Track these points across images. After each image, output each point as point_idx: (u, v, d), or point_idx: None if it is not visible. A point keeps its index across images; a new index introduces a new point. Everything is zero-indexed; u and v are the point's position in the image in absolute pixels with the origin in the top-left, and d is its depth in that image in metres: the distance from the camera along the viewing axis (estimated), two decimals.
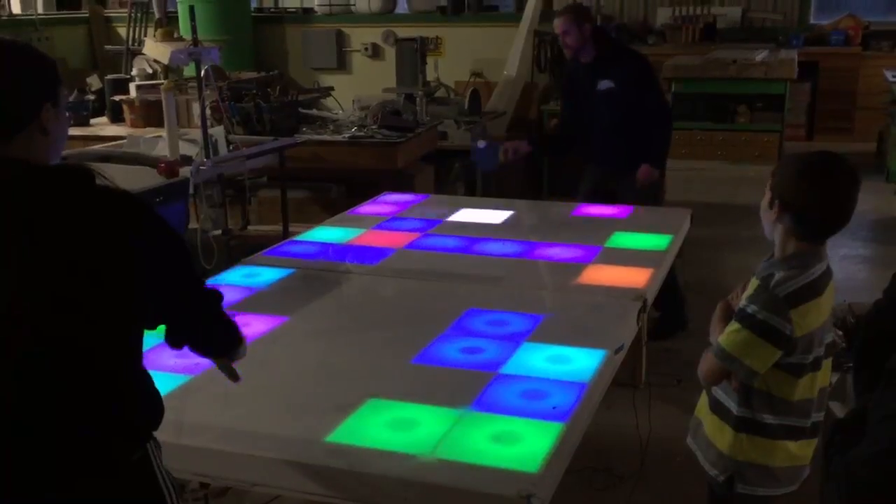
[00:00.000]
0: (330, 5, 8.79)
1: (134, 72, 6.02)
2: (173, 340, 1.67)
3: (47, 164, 1.49)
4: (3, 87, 1.43)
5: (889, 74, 7.97)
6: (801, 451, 2.07)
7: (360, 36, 8.64)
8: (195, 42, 4.17)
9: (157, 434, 1.60)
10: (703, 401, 2.20)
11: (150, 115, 5.38)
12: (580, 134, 4.39)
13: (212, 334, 1.74)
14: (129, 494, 1.54)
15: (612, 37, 4.48)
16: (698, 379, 2.13)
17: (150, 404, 1.59)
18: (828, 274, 2.01)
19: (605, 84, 4.19)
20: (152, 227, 1.54)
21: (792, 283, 1.93)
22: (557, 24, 4.18)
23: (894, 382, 1.85)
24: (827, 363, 2.08)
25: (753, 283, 2.03)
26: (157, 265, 1.52)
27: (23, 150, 1.45)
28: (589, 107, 4.27)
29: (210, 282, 2.98)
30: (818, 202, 1.93)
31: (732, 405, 2.05)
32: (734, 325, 1.97)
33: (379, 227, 3.61)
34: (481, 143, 4.75)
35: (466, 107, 6.27)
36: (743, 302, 1.99)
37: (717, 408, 2.11)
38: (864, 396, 2.00)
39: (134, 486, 1.55)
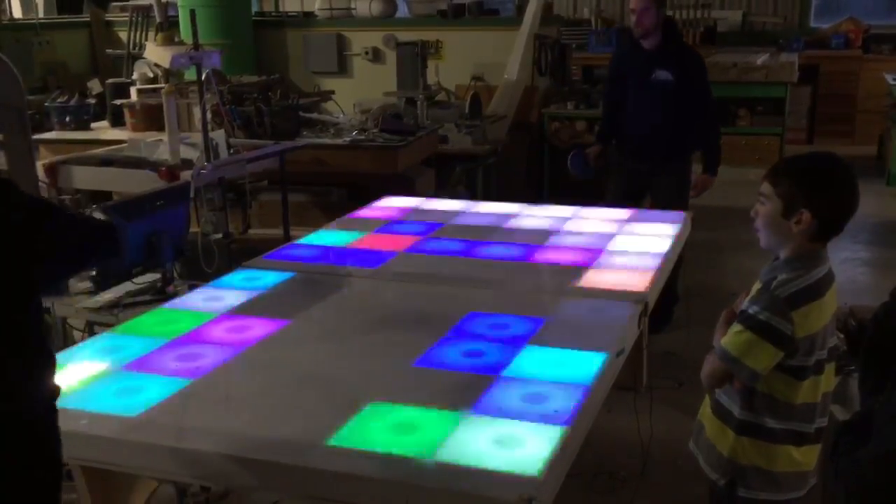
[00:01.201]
0: (331, 9, 8.79)
1: (135, 76, 6.02)
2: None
3: None
4: None
5: (889, 78, 7.98)
6: (804, 456, 2.06)
7: (360, 40, 8.64)
8: (196, 46, 4.17)
9: (160, 438, 1.59)
10: (705, 404, 2.20)
11: (151, 118, 5.38)
12: (622, 123, 4.26)
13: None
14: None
15: (677, 30, 4.35)
16: (700, 382, 2.13)
17: None
18: (830, 276, 2.01)
19: (662, 74, 4.11)
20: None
21: (793, 284, 1.93)
22: (636, 1, 4.06)
23: None
24: (830, 367, 2.07)
25: (757, 286, 2.03)
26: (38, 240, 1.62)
27: None
28: (639, 95, 4.15)
29: (212, 285, 2.99)
30: (844, 203, 1.95)
31: (735, 408, 2.05)
32: (736, 327, 1.97)
33: (380, 230, 3.61)
34: (573, 153, 4.64)
35: (467, 110, 6.27)
36: (745, 304, 1.99)
37: (719, 411, 2.11)
38: (872, 398, 2.00)
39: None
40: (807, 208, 1.93)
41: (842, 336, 2.24)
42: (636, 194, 4.20)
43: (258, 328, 2.54)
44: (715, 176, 4.34)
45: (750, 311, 1.95)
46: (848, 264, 5.52)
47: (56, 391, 1.71)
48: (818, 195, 1.94)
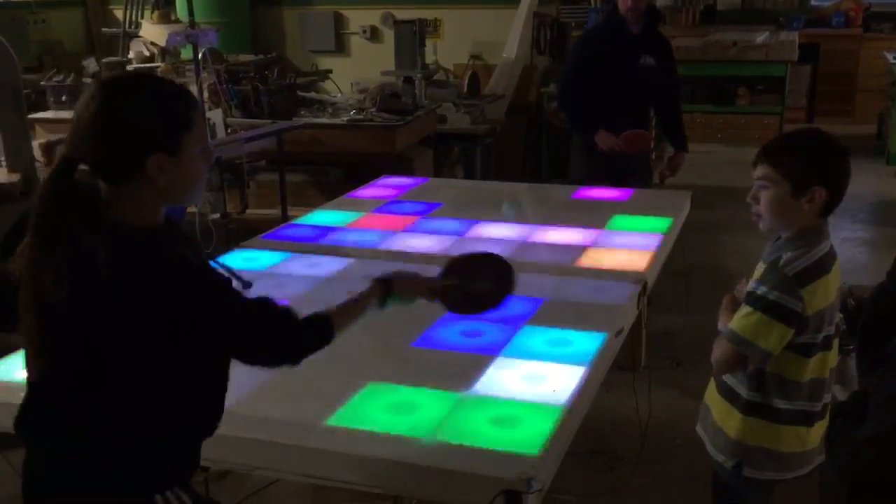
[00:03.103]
0: None
1: (131, 55, 5.99)
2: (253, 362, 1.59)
3: (126, 223, 1.43)
4: (104, 131, 1.38)
5: (890, 56, 7.94)
6: (812, 435, 2.05)
7: (358, 18, 8.58)
8: (192, 24, 4.14)
9: None
10: (711, 387, 2.18)
11: None
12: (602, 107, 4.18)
13: (279, 344, 1.58)
14: None
15: (658, 13, 4.36)
16: (697, 362, 2.12)
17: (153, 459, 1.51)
18: (833, 252, 2.00)
19: (647, 60, 4.12)
20: (213, 309, 1.45)
21: (801, 261, 1.92)
22: None
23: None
24: (836, 343, 2.07)
25: (760, 267, 2.02)
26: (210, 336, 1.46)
27: (131, 197, 1.42)
28: (623, 81, 4.11)
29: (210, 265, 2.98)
30: (848, 174, 1.95)
31: (742, 389, 2.03)
32: (745, 309, 1.94)
33: (378, 210, 3.60)
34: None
35: (465, 90, 6.24)
36: (752, 285, 1.97)
37: (726, 393, 2.09)
38: (866, 379, 2.00)
39: None
40: (821, 184, 1.91)
41: (841, 315, 2.23)
42: (603, 176, 4.17)
43: None
44: (686, 151, 4.46)
45: (758, 291, 1.93)
46: (847, 244, 5.52)
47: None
48: (829, 169, 1.93)
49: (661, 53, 4.19)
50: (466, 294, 1.88)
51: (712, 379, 2.18)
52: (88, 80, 5.85)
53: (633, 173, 4.17)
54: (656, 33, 4.25)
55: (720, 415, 2.11)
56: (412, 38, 6.03)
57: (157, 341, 1.40)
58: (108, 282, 1.36)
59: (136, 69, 1.36)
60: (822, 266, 1.94)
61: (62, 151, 1.41)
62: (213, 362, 1.52)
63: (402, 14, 7.23)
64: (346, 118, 5.14)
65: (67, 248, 1.37)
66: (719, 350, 2.01)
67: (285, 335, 1.57)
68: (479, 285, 1.91)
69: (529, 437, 1.81)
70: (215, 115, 4.50)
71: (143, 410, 1.45)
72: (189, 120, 1.46)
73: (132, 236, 1.42)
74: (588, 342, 2.28)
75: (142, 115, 1.41)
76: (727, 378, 2.09)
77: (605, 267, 2.85)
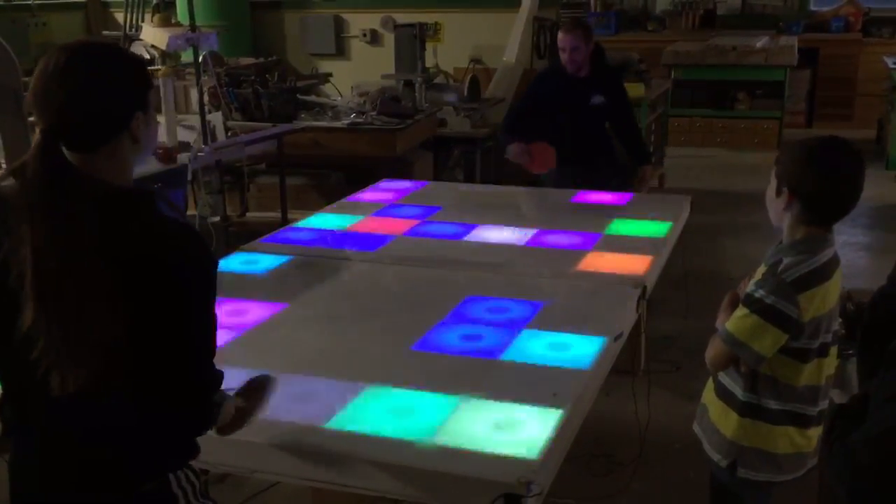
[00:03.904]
0: None
1: None
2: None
3: (118, 187, 1.42)
4: (94, 97, 1.39)
5: (889, 61, 7.94)
6: (805, 439, 2.07)
7: (358, 22, 8.59)
8: (193, 28, 4.15)
9: None
10: (709, 387, 2.20)
11: None
12: (551, 139, 4.26)
13: (182, 410, 1.50)
14: None
15: (603, 54, 4.48)
16: (697, 366, 2.13)
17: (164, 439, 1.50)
18: (835, 260, 2.01)
19: (597, 99, 4.27)
20: (195, 264, 1.44)
21: (799, 268, 1.93)
22: (567, 39, 4.15)
23: None
24: (834, 350, 2.07)
25: (761, 269, 2.03)
26: (180, 301, 1.41)
27: (108, 158, 1.41)
28: (576, 120, 4.28)
29: None
30: (827, 187, 1.94)
31: (738, 390, 2.05)
32: (742, 311, 1.97)
33: (378, 213, 3.60)
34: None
35: (466, 93, 6.24)
36: (751, 287, 1.99)
37: (722, 393, 2.11)
38: (867, 382, 2.00)
39: None
40: (787, 188, 1.96)
41: (840, 320, 2.24)
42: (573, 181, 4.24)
43: (256, 311, 2.54)
44: (650, 164, 4.59)
45: (756, 294, 1.95)
46: (847, 248, 5.52)
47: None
48: (797, 175, 1.95)
49: (612, 90, 4.35)
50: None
51: (710, 379, 2.19)
52: None
53: (605, 174, 4.23)
54: (604, 71, 4.38)
55: (717, 415, 2.13)
56: (412, 41, 6.04)
57: (166, 306, 1.38)
58: (112, 249, 1.34)
59: (80, 39, 1.35)
60: (822, 273, 1.95)
61: (42, 128, 1.37)
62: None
63: (403, 17, 7.25)
64: (346, 121, 5.15)
65: (67, 226, 1.33)
66: (713, 349, 2.04)
67: (206, 379, 1.51)
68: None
69: (529, 441, 1.81)
70: (216, 118, 4.50)
71: (152, 384, 1.42)
72: (150, 78, 1.53)
73: (127, 197, 1.42)
74: (587, 346, 2.28)
75: (125, 77, 1.45)
76: (724, 379, 2.10)
77: (604, 271, 2.85)
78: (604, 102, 4.30)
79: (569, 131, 4.28)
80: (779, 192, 1.98)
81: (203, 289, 1.46)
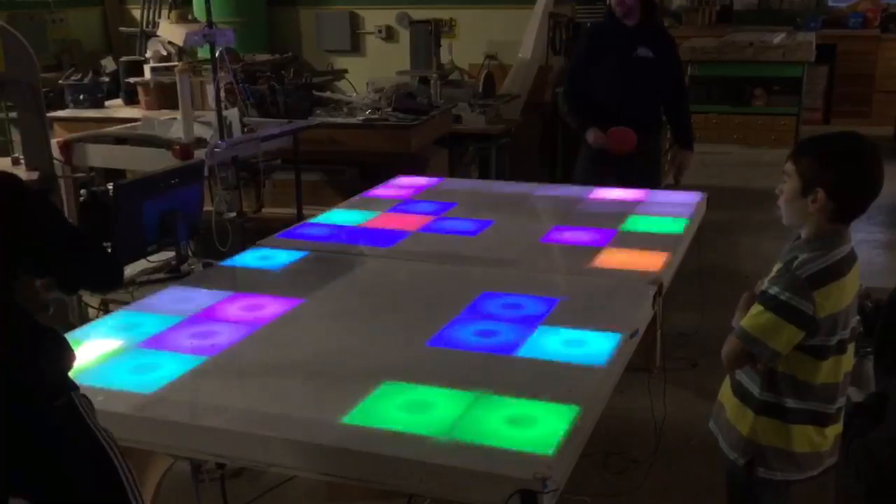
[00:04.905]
0: None
1: (148, 54, 6.01)
2: (65, 287, 1.96)
3: None
4: None
5: None
6: (823, 437, 2.06)
7: (373, 18, 8.61)
8: (210, 24, 4.15)
9: (175, 415, 1.60)
10: (725, 385, 2.19)
11: (165, 97, 5.37)
12: (600, 100, 4.28)
13: (93, 272, 1.92)
14: (66, 442, 1.69)
15: (656, 9, 4.45)
16: (713, 363, 2.12)
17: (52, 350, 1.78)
18: (852, 256, 1.99)
19: (643, 51, 4.21)
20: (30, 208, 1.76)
21: (814, 264, 1.92)
22: None
23: None
24: (852, 347, 2.06)
25: (777, 266, 2.02)
26: (39, 233, 1.77)
27: None
28: (620, 72, 4.21)
29: (225, 263, 3.00)
30: (862, 183, 1.94)
31: (755, 388, 2.04)
32: (757, 308, 1.96)
33: (393, 209, 3.61)
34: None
35: (480, 90, 6.24)
36: (766, 285, 1.98)
37: (739, 391, 2.10)
38: (885, 380, 1.99)
39: (68, 434, 1.69)
40: (822, 187, 1.93)
41: (858, 317, 2.23)
42: (603, 173, 4.20)
43: (272, 307, 2.55)
44: (692, 151, 4.47)
45: (771, 291, 1.94)
46: (864, 245, 5.48)
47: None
48: (833, 175, 1.93)
49: (660, 46, 4.27)
50: None
51: (727, 377, 2.18)
52: (106, 80, 5.90)
53: (637, 175, 4.17)
54: (655, 26, 4.34)
55: (733, 413, 2.12)
56: (428, 37, 6.04)
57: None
58: None
59: None
60: (838, 270, 1.94)
61: None
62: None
63: (418, 14, 7.24)
64: (361, 118, 5.15)
65: None
66: (729, 347, 2.03)
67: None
68: None
69: (545, 438, 1.81)
70: (232, 115, 4.51)
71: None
72: None
73: None
74: (603, 343, 2.27)
75: None
76: (741, 377, 2.09)
77: (620, 267, 2.84)
78: (651, 57, 4.22)
79: (616, 87, 4.22)
80: (807, 193, 1.95)
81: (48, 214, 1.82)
